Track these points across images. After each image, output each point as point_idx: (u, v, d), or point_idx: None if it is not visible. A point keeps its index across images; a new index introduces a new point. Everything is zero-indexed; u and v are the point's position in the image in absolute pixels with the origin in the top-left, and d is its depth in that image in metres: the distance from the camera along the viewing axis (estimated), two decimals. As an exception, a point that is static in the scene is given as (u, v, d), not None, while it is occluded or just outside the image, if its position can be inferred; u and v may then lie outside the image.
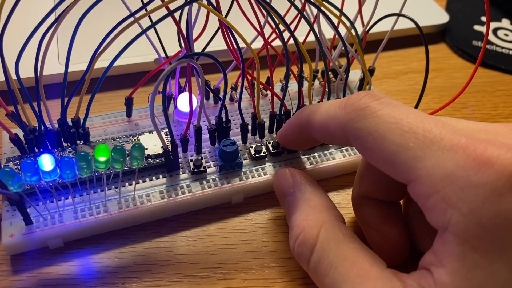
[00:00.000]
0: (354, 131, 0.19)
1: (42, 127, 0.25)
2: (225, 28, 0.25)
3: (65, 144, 0.26)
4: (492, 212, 0.15)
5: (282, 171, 0.24)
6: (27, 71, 0.24)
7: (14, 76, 0.23)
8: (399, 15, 0.28)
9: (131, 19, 0.22)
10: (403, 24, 0.29)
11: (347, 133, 0.19)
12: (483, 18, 0.43)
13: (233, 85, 0.30)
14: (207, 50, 0.28)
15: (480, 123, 0.19)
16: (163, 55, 0.28)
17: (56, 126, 0.25)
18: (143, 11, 0.22)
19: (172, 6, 0.22)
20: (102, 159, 0.22)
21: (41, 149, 0.25)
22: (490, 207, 0.15)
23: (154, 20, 0.22)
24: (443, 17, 0.41)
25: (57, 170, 0.22)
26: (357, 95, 0.20)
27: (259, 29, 0.26)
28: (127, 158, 0.23)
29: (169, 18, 0.23)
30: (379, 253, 0.20)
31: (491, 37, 0.41)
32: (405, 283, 0.17)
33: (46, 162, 0.21)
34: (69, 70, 0.24)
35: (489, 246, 0.15)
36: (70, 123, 0.26)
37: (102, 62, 0.24)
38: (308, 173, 0.27)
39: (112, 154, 0.22)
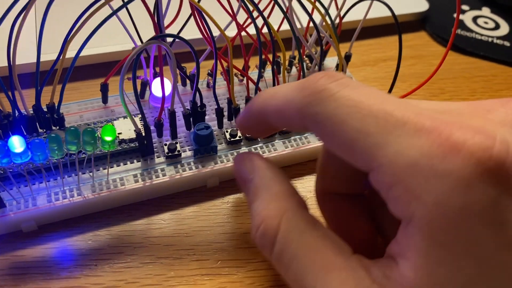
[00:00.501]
0: (311, 116, 0.18)
1: (17, 113, 0.25)
2: (197, 13, 0.25)
3: (40, 130, 0.26)
4: (458, 204, 0.14)
5: (241, 155, 0.22)
6: (2, 60, 0.24)
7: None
8: (373, -1, 0.28)
9: (102, 1, 0.23)
10: (382, 12, 0.29)
11: (305, 118, 0.18)
12: (463, 7, 0.44)
13: (209, 71, 0.30)
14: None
15: (443, 103, 0.18)
16: (139, 42, 0.28)
17: (31, 111, 0.25)
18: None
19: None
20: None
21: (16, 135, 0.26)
22: (457, 199, 0.14)
23: (125, 1, 0.23)
24: (422, 5, 0.41)
25: (28, 153, 0.22)
26: (314, 76, 0.18)
27: (232, 15, 0.26)
28: (98, 141, 0.23)
29: (143, 7, 0.23)
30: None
31: (471, 24, 0.42)
32: (370, 271, 0.17)
33: (16, 143, 0.21)
34: (48, 58, 0.25)
35: (455, 241, 0.14)
36: (45, 109, 0.26)
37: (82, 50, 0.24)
38: (284, 157, 0.28)
39: (84, 136, 0.22)
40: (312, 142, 0.28)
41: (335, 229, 0.22)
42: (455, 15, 0.42)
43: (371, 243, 0.22)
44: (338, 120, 0.17)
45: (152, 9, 0.24)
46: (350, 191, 0.22)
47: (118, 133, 0.26)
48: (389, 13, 0.28)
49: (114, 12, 0.23)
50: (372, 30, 0.39)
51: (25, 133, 0.26)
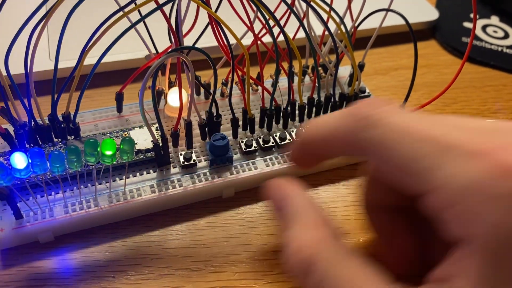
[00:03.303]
0: (362, 142, 0.18)
1: (33, 122, 0.25)
2: (215, 23, 0.25)
3: (55, 139, 0.26)
4: None
5: (275, 182, 0.22)
6: (18, 67, 0.24)
7: (4, 73, 0.23)
8: (387, 10, 0.28)
9: (120, 13, 0.22)
10: (393, 21, 0.29)
11: (355, 144, 0.18)
12: (472, 15, 0.44)
13: (224, 80, 0.30)
14: (197, 46, 0.28)
15: (492, 122, 0.18)
16: (153, 51, 0.28)
17: (47, 121, 0.25)
18: (133, 5, 0.22)
19: (161, 0, 0.22)
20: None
21: (32, 144, 0.25)
22: None
23: (143, 15, 0.23)
24: (433, 14, 0.41)
25: (47, 164, 0.22)
26: (361, 103, 0.19)
27: (249, 25, 0.26)
28: (117, 152, 0.23)
29: (160, 14, 0.23)
30: (388, 260, 0.20)
31: (480, 33, 0.42)
32: None
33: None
34: (61, 66, 0.24)
35: None
36: (60, 119, 0.26)
37: (94, 59, 0.24)
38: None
39: (99, 147, 0.22)
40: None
41: (380, 240, 0.22)
42: (465, 24, 0.42)
43: (415, 257, 0.21)
44: (388, 145, 0.17)
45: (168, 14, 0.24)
46: (396, 204, 0.22)
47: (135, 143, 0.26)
48: (399, 22, 0.28)
49: (133, 25, 0.23)
50: (382, 38, 0.39)
51: (40, 143, 0.26)
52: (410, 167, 0.16)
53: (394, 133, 0.17)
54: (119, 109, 0.28)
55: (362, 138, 0.18)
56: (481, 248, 0.15)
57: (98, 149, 0.22)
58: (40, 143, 0.26)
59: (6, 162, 0.25)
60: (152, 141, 0.25)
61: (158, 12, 0.23)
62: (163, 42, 0.28)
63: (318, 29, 0.30)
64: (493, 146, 0.15)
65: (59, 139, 0.26)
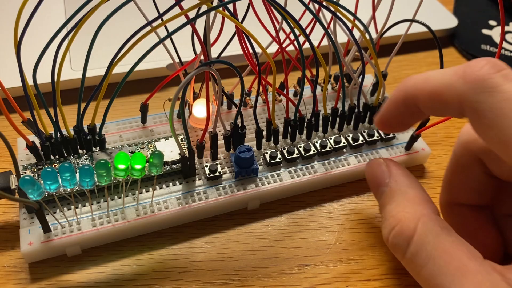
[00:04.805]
0: (473, 103, 0.18)
1: (58, 134, 0.25)
2: (242, 34, 0.25)
3: (81, 151, 0.26)
4: None
5: (377, 160, 0.23)
6: (40, 77, 0.24)
7: (30, 82, 0.23)
8: (412, 21, 0.28)
9: (148, 27, 0.22)
10: (413, 29, 0.29)
11: (465, 103, 0.18)
12: (491, 22, 0.43)
13: (246, 90, 0.30)
14: (222, 54, 0.28)
15: None
16: (177, 60, 0.28)
17: (72, 133, 0.25)
18: (161, 20, 0.22)
19: (190, 14, 0.22)
20: (121, 166, 0.22)
21: (57, 156, 0.25)
22: None
23: (172, 30, 0.22)
24: (451, 21, 0.41)
25: (76, 178, 0.21)
26: (477, 62, 0.18)
27: (274, 34, 0.26)
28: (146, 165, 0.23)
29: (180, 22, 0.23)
30: None
31: (499, 40, 0.41)
32: (505, 276, 0.18)
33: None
34: (80, 76, 0.24)
35: None
36: (86, 130, 0.26)
37: (114, 69, 0.24)
38: (323, 179, 0.27)
39: (130, 161, 0.22)
40: (352, 164, 0.28)
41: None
42: (483, 31, 0.42)
43: (497, 252, 0.22)
44: (501, 113, 0.17)
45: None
46: (476, 202, 0.23)
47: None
48: (418, 30, 0.27)
49: (162, 40, 0.22)
50: (401, 46, 0.39)
51: (65, 155, 0.26)
52: None
53: (510, 102, 0.17)
54: (144, 120, 0.28)
55: (476, 100, 0.18)
56: None
57: (129, 163, 0.22)
58: (65, 155, 0.26)
59: (33, 175, 0.24)
60: (179, 154, 0.25)
61: (179, 20, 0.22)
62: (184, 49, 0.28)
63: (340, 38, 0.29)
64: None
65: (85, 151, 0.26)
